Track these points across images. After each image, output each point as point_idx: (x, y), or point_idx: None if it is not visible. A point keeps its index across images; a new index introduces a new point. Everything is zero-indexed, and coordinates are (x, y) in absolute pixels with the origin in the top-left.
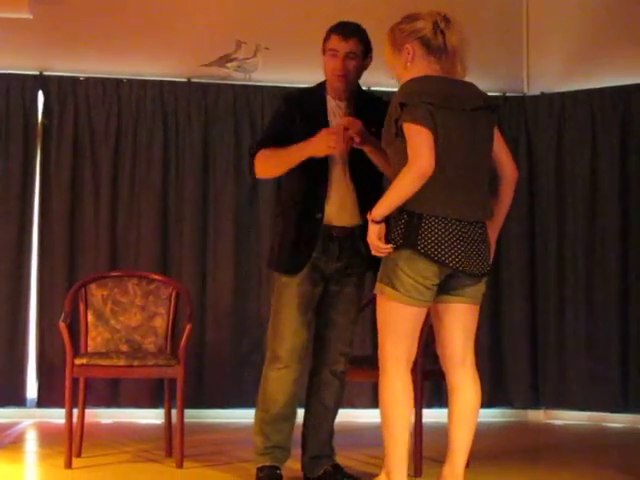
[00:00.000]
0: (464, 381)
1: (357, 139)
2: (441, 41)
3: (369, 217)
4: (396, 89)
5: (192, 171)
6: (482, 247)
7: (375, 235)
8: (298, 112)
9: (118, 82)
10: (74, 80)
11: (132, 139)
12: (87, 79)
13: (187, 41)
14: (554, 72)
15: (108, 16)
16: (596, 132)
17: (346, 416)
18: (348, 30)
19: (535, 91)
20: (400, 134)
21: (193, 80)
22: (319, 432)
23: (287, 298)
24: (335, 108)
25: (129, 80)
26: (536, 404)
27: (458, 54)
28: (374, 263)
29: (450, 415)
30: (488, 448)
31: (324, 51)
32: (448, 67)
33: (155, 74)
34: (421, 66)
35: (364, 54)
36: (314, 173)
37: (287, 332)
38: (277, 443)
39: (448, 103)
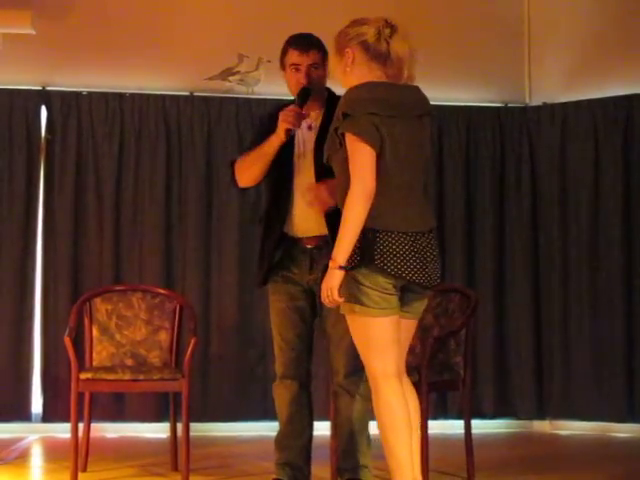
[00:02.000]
0: (405, 390)
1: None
2: (384, 47)
3: (331, 263)
4: None
5: (195, 184)
6: (434, 256)
7: (338, 283)
8: (271, 126)
9: (121, 96)
10: (77, 95)
11: (135, 153)
12: (90, 94)
13: (189, 55)
14: (556, 82)
15: (110, 31)
16: (598, 142)
17: None
18: (306, 42)
19: (537, 101)
20: (343, 144)
21: (196, 94)
22: (339, 445)
23: (272, 316)
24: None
25: (132, 94)
26: (541, 415)
27: (405, 62)
28: None
29: None
30: (493, 459)
31: (284, 66)
32: (393, 74)
33: (158, 88)
34: (361, 71)
35: (325, 62)
36: (280, 184)
37: (277, 349)
38: (288, 460)
39: (394, 111)
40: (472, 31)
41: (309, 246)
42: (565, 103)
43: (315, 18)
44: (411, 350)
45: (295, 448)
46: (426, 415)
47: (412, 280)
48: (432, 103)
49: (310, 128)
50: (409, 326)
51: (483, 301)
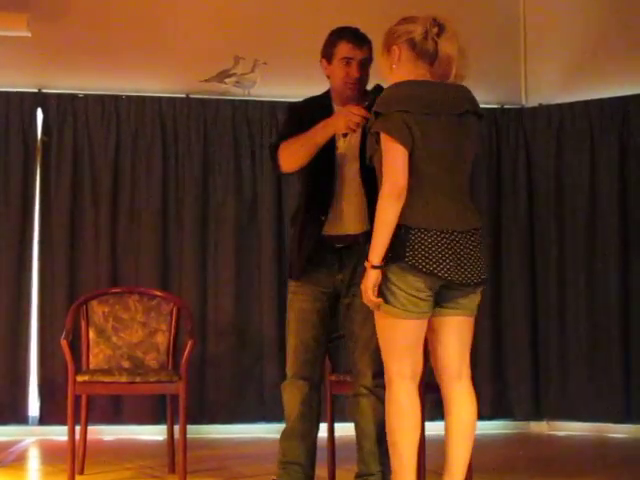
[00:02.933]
0: (460, 396)
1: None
2: (432, 46)
3: (367, 264)
4: None
5: (192, 186)
6: (475, 256)
7: (373, 282)
8: (305, 117)
9: (117, 98)
10: (73, 97)
11: (131, 155)
12: (86, 96)
13: (185, 57)
14: (552, 84)
15: (106, 33)
16: (594, 143)
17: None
18: (360, 37)
19: (533, 103)
20: (380, 142)
21: (192, 96)
22: (362, 449)
23: (291, 314)
24: None
25: (128, 96)
26: (538, 415)
27: (453, 62)
28: None
29: (447, 430)
30: (490, 460)
31: (331, 58)
32: (440, 73)
33: (154, 90)
34: (407, 69)
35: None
36: (322, 175)
37: (291, 348)
38: (292, 459)
39: (429, 109)
40: (468, 32)
41: (339, 245)
42: (561, 104)
43: (311, 21)
44: None
45: (299, 448)
46: (423, 416)
47: (445, 277)
48: None
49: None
50: (462, 324)
51: (480, 302)
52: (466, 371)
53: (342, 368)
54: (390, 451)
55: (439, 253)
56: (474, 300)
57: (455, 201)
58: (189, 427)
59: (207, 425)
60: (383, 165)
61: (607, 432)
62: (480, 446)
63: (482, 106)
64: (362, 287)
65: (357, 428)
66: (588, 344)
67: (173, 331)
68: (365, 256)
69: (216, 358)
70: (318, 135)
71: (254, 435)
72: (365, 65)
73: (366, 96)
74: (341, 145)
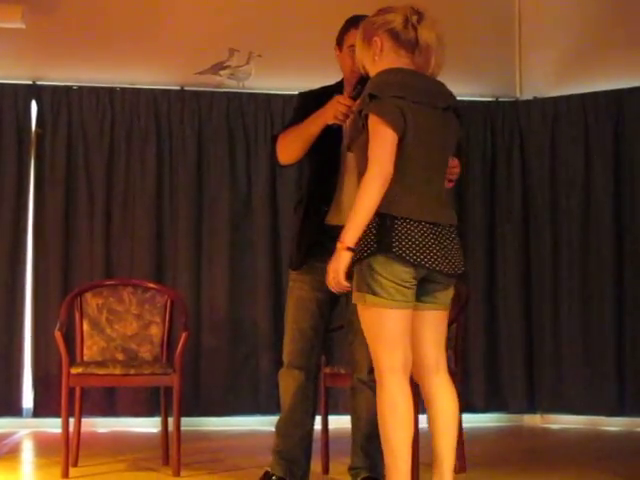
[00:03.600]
0: (440, 388)
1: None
2: (412, 35)
3: (339, 245)
4: None
5: (186, 178)
6: (456, 249)
7: (345, 264)
8: (313, 107)
9: (111, 91)
10: (67, 89)
11: (126, 147)
12: (80, 88)
13: (180, 49)
14: (547, 76)
15: (101, 25)
16: (589, 136)
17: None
18: None
19: (528, 96)
20: (366, 126)
21: (186, 88)
22: (355, 442)
23: (290, 302)
24: None
25: (122, 89)
26: (532, 408)
27: (432, 50)
28: None
29: (431, 425)
30: (484, 453)
31: (342, 45)
32: (421, 63)
33: (148, 82)
34: (389, 59)
35: None
36: (327, 166)
37: (288, 337)
38: (285, 448)
39: (419, 98)
40: (462, 25)
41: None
42: (556, 97)
43: (306, 13)
44: None
45: (294, 437)
46: (417, 409)
47: (432, 268)
48: None
49: None
50: (439, 318)
51: (474, 296)
52: (443, 364)
53: (336, 360)
54: (383, 447)
55: (425, 243)
56: (450, 294)
57: (436, 195)
58: (183, 419)
59: (201, 417)
60: (370, 149)
61: (601, 425)
62: (474, 439)
63: (476, 99)
64: (331, 268)
65: (352, 421)
66: (582, 336)
67: (167, 323)
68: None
69: (210, 350)
70: (311, 126)
71: (248, 427)
72: None
73: (355, 87)
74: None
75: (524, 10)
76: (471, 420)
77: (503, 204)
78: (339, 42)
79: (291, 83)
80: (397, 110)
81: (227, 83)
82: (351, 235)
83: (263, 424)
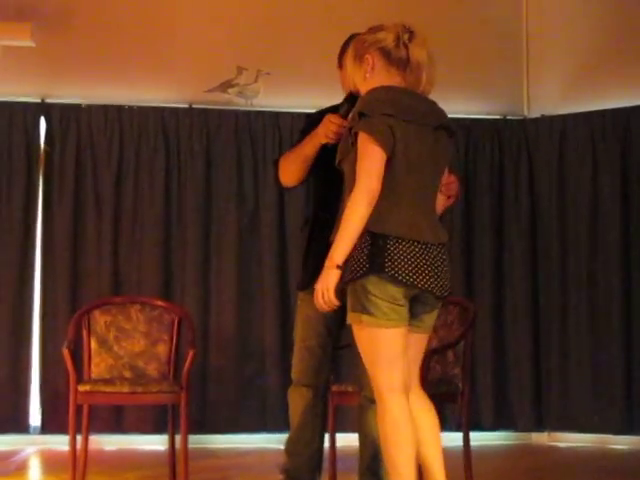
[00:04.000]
0: (419, 405)
1: None
2: (403, 53)
3: (328, 263)
4: None
5: (194, 196)
6: (445, 270)
7: (335, 283)
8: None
9: (120, 108)
10: (76, 107)
11: (134, 165)
12: (89, 106)
13: (188, 67)
14: (554, 94)
15: (109, 43)
16: (597, 154)
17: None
18: None
19: (536, 113)
20: (355, 144)
21: (195, 106)
22: (362, 461)
23: (298, 322)
24: None
25: (131, 107)
26: (540, 426)
27: (423, 68)
28: None
29: (415, 440)
30: (492, 471)
31: (342, 64)
32: (412, 81)
33: (157, 100)
34: (381, 77)
35: None
36: (330, 189)
37: (297, 355)
38: (293, 467)
39: (410, 116)
40: (470, 44)
41: None
42: (563, 115)
43: (314, 32)
44: None
45: (303, 456)
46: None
47: (424, 288)
48: None
49: None
50: (421, 341)
51: (482, 313)
52: (416, 382)
53: (344, 378)
54: (388, 467)
55: (417, 264)
56: (434, 317)
57: (426, 215)
58: (190, 437)
59: (209, 435)
60: (358, 166)
61: (608, 443)
62: (482, 457)
63: (485, 117)
64: (319, 287)
65: (359, 439)
66: (590, 355)
67: (175, 341)
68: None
69: (218, 368)
70: (305, 147)
71: (256, 445)
72: None
73: (341, 105)
74: None
75: (531, 29)
76: (479, 438)
77: (511, 222)
78: (340, 61)
79: (299, 101)
80: (387, 128)
81: (235, 101)
82: (339, 253)
83: (270, 442)
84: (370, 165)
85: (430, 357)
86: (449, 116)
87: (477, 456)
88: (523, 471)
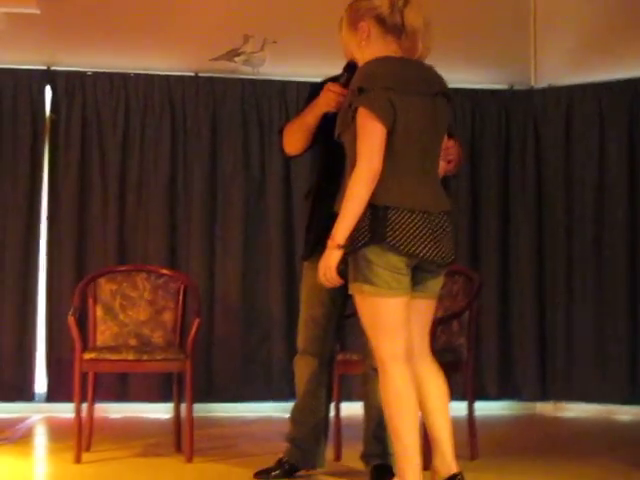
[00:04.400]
0: (428, 373)
1: None
2: (398, 19)
3: (330, 242)
4: None
5: (200, 165)
6: (448, 237)
7: (337, 262)
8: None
9: (125, 76)
10: (82, 75)
11: (140, 133)
12: (95, 74)
13: (194, 35)
14: (561, 65)
15: (115, 11)
16: (604, 124)
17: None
18: None
19: (542, 84)
20: (355, 118)
21: (200, 74)
22: (367, 429)
23: (304, 291)
24: None
25: (136, 74)
26: (544, 396)
27: (419, 34)
28: None
29: (423, 408)
30: (496, 440)
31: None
32: (408, 47)
33: (162, 68)
34: (377, 46)
35: None
36: (333, 159)
37: (302, 323)
38: (298, 436)
39: (409, 87)
40: (477, 14)
41: None
42: (571, 86)
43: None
44: None
45: (308, 424)
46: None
47: (425, 257)
48: None
49: None
50: (427, 307)
51: (487, 283)
52: (427, 349)
53: (350, 347)
54: (391, 434)
55: (418, 233)
56: (439, 283)
57: (427, 183)
58: (196, 406)
59: (214, 403)
60: (359, 143)
61: (613, 413)
62: (486, 427)
63: (491, 87)
64: (322, 265)
65: (364, 407)
66: (595, 325)
67: (180, 309)
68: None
69: (223, 336)
70: (307, 116)
71: (261, 414)
72: None
73: (340, 75)
74: None
75: None
76: (484, 408)
77: (518, 193)
78: (340, 26)
79: (305, 70)
80: (387, 102)
81: (241, 69)
82: (341, 233)
83: (276, 410)
84: (371, 143)
85: (436, 327)
86: (455, 86)
87: (481, 425)
88: (528, 441)
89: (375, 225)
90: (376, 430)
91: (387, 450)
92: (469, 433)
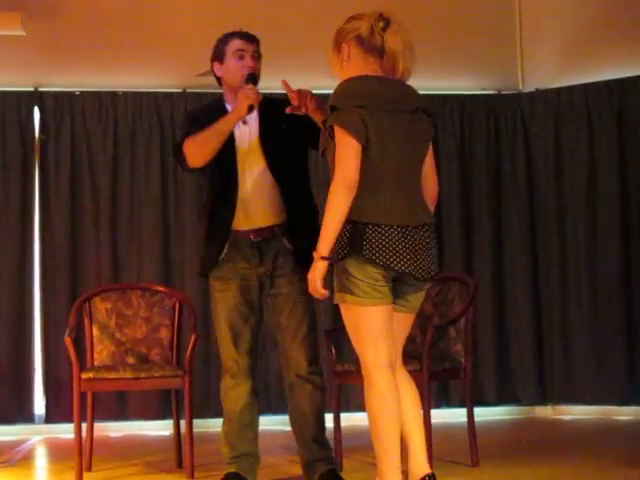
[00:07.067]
0: (401, 381)
1: (312, 103)
2: (378, 41)
3: (315, 255)
4: None
5: (191, 180)
6: (429, 251)
7: (322, 274)
8: (204, 119)
9: (114, 95)
10: (70, 95)
11: (130, 151)
12: (82, 93)
13: (181, 51)
14: (549, 68)
15: (101, 30)
16: (592, 126)
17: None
18: (249, 34)
19: (530, 87)
20: (334, 136)
21: (188, 90)
22: (303, 437)
23: (222, 312)
24: None
25: (124, 92)
26: (543, 400)
27: (399, 56)
28: (302, 260)
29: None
30: (496, 446)
31: (223, 56)
32: (389, 68)
33: (150, 85)
34: (357, 65)
35: (260, 57)
36: (224, 176)
37: (227, 344)
38: (243, 451)
39: (384, 104)
40: (463, 19)
41: (256, 239)
42: (558, 88)
43: (308, 15)
44: (411, 339)
45: (247, 438)
46: (428, 404)
47: (403, 271)
48: (425, 92)
49: (245, 122)
50: (405, 320)
51: (482, 288)
52: (399, 360)
53: (346, 358)
54: (374, 440)
55: (395, 247)
56: (420, 298)
57: (407, 198)
58: (195, 421)
59: (213, 419)
60: (335, 157)
61: (612, 415)
62: (486, 432)
63: (479, 92)
64: (310, 277)
65: (294, 418)
66: (592, 327)
67: (176, 326)
68: (282, 248)
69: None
70: (222, 125)
71: (260, 427)
72: (257, 58)
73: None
74: (239, 137)
75: (525, 2)
76: (483, 414)
77: (508, 198)
78: (219, 55)
79: (292, 84)
80: (357, 119)
81: None
82: (324, 245)
83: (274, 423)
84: (345, 155)
85: (433, 334)
86: (444, 92)
87: (481, 431)
88: (528, 445)
89: (354, 239)
90: (317, 435)
91: (330, 454)
92: (469, 440)
